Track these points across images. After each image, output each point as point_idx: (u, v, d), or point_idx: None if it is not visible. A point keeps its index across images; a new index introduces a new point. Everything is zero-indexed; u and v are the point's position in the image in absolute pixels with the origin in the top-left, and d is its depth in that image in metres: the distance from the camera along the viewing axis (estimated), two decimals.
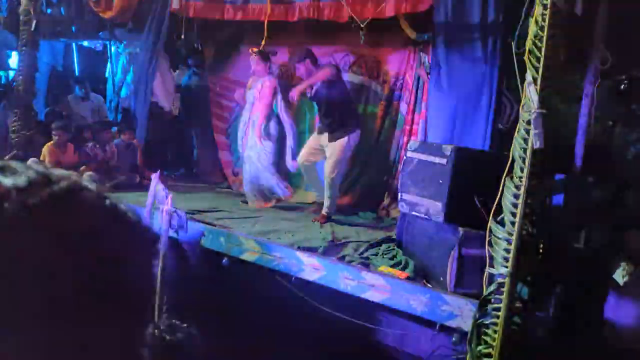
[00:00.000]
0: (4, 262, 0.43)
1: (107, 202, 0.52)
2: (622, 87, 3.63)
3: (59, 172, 0.51)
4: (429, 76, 4.38)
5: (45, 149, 5.42)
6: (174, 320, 0.57)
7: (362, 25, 4.70)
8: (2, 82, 6.61)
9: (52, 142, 5.42)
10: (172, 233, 3.97)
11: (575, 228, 3.31)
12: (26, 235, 0.45)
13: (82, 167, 5.44)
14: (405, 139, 4.99)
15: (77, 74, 7.14)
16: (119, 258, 0.49)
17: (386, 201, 5.15)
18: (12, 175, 0.48)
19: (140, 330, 0.51)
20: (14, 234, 0.44)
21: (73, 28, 6.47)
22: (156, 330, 0.56)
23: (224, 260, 3.96)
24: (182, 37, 5.52)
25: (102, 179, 5.39)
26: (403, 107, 5.13)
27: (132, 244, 0.52)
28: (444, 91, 3.89)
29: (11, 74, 6.51)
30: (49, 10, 5.91)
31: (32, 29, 5.31)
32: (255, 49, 5.06)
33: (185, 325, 0.58)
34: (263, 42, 4.99)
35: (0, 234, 0.44)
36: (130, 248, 0.51)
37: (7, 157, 5.24)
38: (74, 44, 7.07)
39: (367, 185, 5.29)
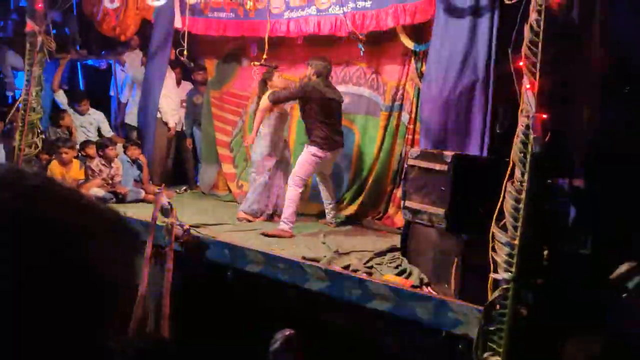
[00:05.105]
0: None
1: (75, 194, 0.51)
2: (625, 90, 3.63)
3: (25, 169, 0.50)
4: (422, 82, 4.43)
5: (51, 166, 5.47)
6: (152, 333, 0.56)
7: (361, 37, 4.75)
8: (9, 102, 6.69)
9: (57, 159, 5.48)
10: (177, 247, 3.99)
11: (580, 233, 3.29)
12: None
13: (87, 183, 5.49)
14: (408, 148, 5.00)
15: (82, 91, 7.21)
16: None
17: (390, 211, 5.15)
18: None
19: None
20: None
21: (78, 47, 6.57)
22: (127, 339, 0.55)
23: (228, 273, 3.97)
24: (185, 52, 5.60)
25: (107, 194, 5.44)
26: (404, 117, 5.15)
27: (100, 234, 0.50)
28: (439, 97, 3.91)
29: (17, 93, 6.59)
30: (54, 31, 6.01)
31: (38, 49, 5.40)
32: (257, 63, 5.13)
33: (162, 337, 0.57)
34: (264, 56, 5.06)
35: None
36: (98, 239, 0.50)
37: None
38: (78, 63, 7.17)
39: (371, 195, 5.30)
